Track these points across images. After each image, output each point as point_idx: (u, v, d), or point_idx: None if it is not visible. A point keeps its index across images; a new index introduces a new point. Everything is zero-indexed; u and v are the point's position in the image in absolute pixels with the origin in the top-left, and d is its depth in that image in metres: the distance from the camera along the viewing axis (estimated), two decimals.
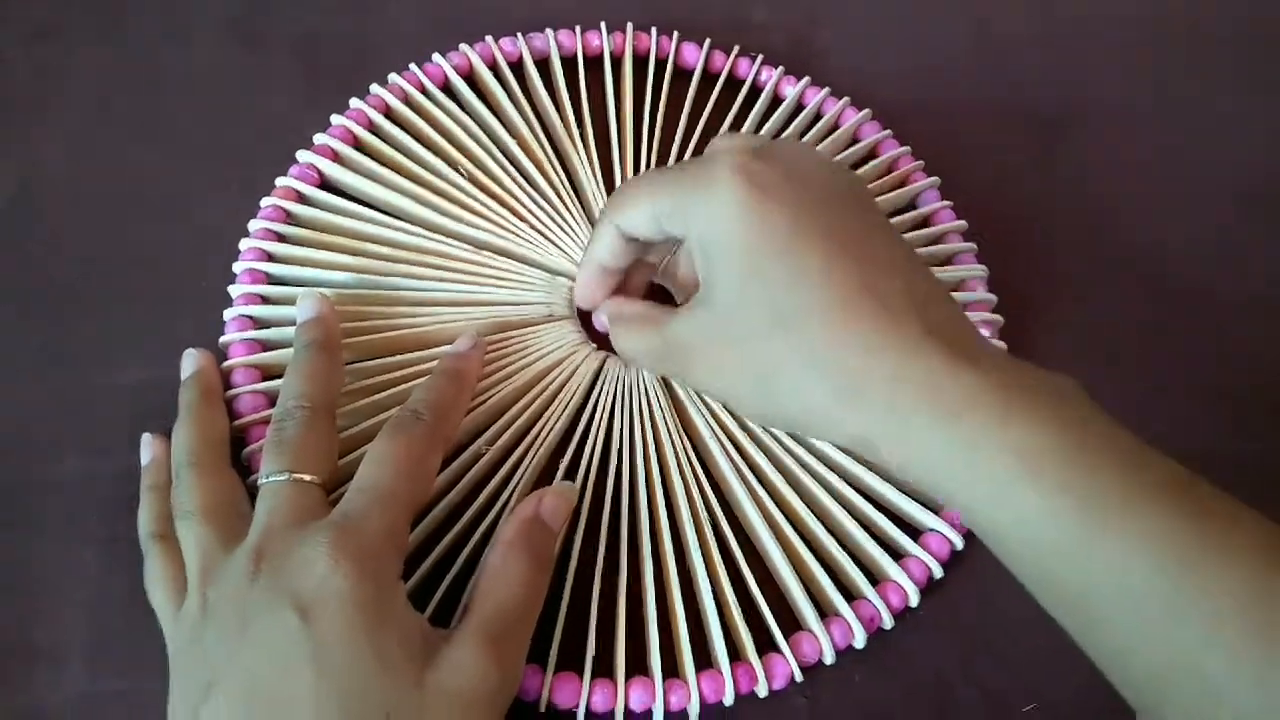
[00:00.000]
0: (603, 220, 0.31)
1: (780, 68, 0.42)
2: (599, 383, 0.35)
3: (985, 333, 0.37)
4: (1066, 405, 0.24)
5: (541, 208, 0.38)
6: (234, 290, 0.35)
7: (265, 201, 0.37)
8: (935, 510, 0.34)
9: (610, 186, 0.39)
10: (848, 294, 0.25)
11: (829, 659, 0.31)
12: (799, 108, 0.42)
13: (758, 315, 0.26)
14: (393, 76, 0.40)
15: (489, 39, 0.41)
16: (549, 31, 0.41)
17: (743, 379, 0.28)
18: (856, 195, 0.28)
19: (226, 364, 0.34)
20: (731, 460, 0.34)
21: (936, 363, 0.24)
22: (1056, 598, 0.24)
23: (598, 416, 0.35)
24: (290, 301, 0.34)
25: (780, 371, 0.26)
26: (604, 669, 0.31)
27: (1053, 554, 0.23)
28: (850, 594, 0.33)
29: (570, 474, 0.33)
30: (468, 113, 0.39)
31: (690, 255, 0.29)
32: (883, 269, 0.26)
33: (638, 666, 0.31)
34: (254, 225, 0.36)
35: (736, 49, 0.42)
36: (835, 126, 0.41)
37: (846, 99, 0.42)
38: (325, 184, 0.38)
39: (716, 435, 0.34)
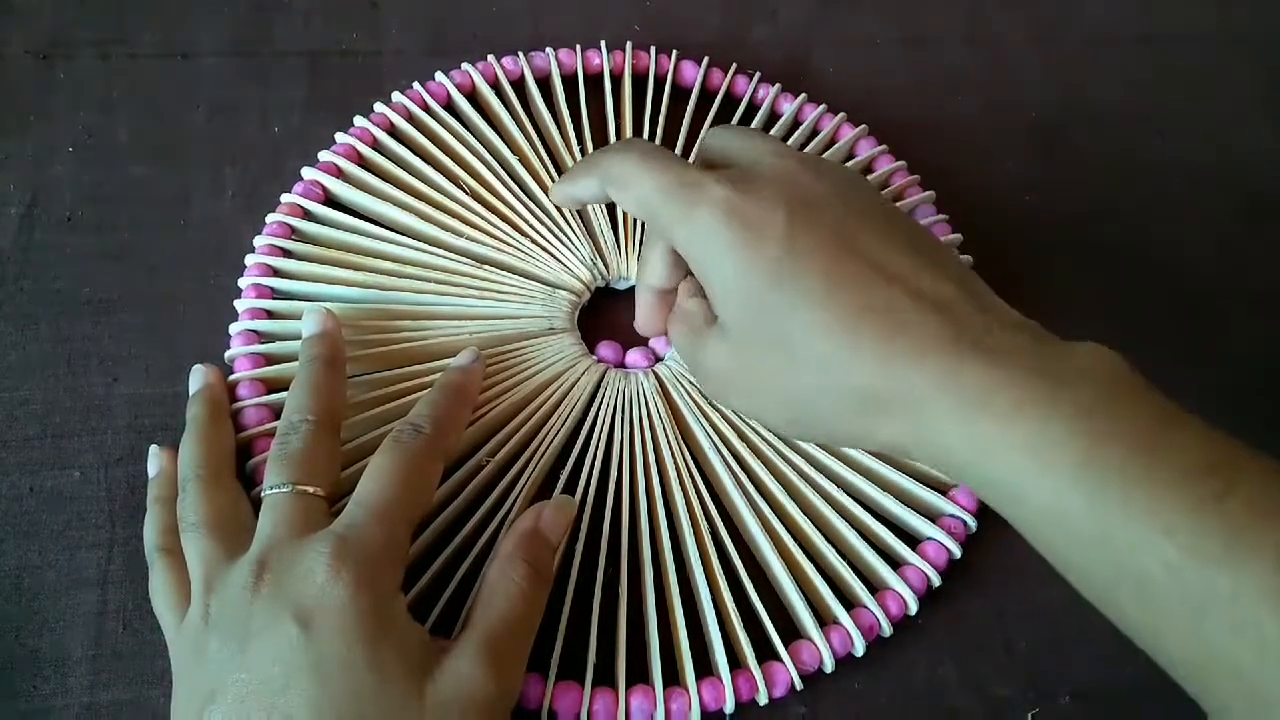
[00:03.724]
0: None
1: (777, 85, 0.42)
2: (599, 395, 0.36)
3: None
4: (1083, 391, 0.23)
5: (542, 222, 0.38)
6: (240, 305, 0.36)
7: (271, 218, 0.37)
8: (933, 519, 0.34)
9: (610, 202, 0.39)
10: (851, 314, 0.25)
11: (829, 667, 0.32)
12: (796, 124, 0.42)
13: (769, 345, 0.26)
14: (396, 95, 0.40)
15: (491, 58, 0.41)
16: (550, 50, 0.42)
17: (771, 405, 0.28)
18: (856, 201, 0.27)
19: (232, 377, 0.34)
20: (731, 471, 0.34)
21: (947, 368, 0.24)
22: (1085, 587, 0.24)
23: (598, 428, 0.35)
24: (295, 316, 0.35)
25: (803, 398, 0.26)
26: (605, 678, 0.31)
27: (1073, 551, 0.23)
28: (849, 602, 0.33)
29: (571, 485, 0.34)
30: (470, 130, 0.40)
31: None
32: (884, 280, 0.25)
33: (638, 675, 0.31)
34: (259, 241, 0.37)
35: (734, 66, 0.43)
36: (832, 142, 0.42)
37: (842, 114, 0.42)
38: (330, 200, 0.38)
39: (716, 446, 0.35)
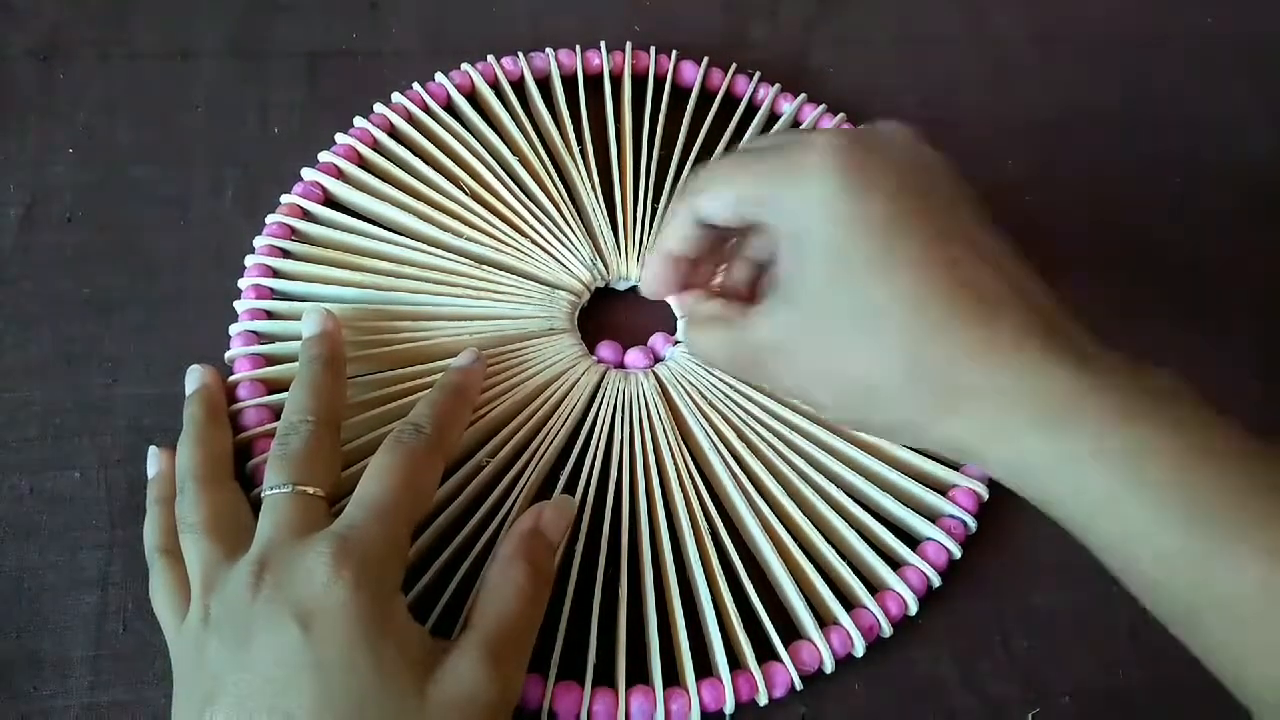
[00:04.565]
0: (678, 203, 0.29)
1: (777, 85, 0.42)
2: (599, 395, 0.36)
3: None
4: (1174, 408, 0.22)
5: (542, 223, 0.38)
6: (239, 305, 0.36)
7: (271, 218, 0.37)
8: (933, 519, 0.34)
9: (609, 202, 0.39)
10: (946, 287, 0.24)
11: (829, 667, 0.32)
12: (796, 124, 0.42)
13: (849, 312, 0.25)
14: (396, 95, 0.40)
15: (491, 58, 0.41)
16: (549, 51, 0.42)
17: (832, 386, 0.26)
18: (957, 185, 0.26)
19: (232, 378, 0.34)
20: (731, 471, 0.34)
21: (1039, 366, 0.23)
22: (1164, 604, 0.23)
23: (598, 429, 0.35)
24: (295, 317, 0.35)
25: (871, 377, 0.25)
26: (605, 678, 0.31)
27: (1159, 568, 0.22)
28: (849, 603, 0.33)
29: (571, 485, 0.34)
30: (470, 130, 0.40)
31: (767, 248, 0.27)
32: (983, 262, 0.24)
33: (638, 675, 0.31)
34: (259, 242, 0.37)
35: (734, 66, 0.43)
36: None
37: (842, 115, 0.42)
38: (330, 201, 0.38)
39: (716, 446, 0.35)
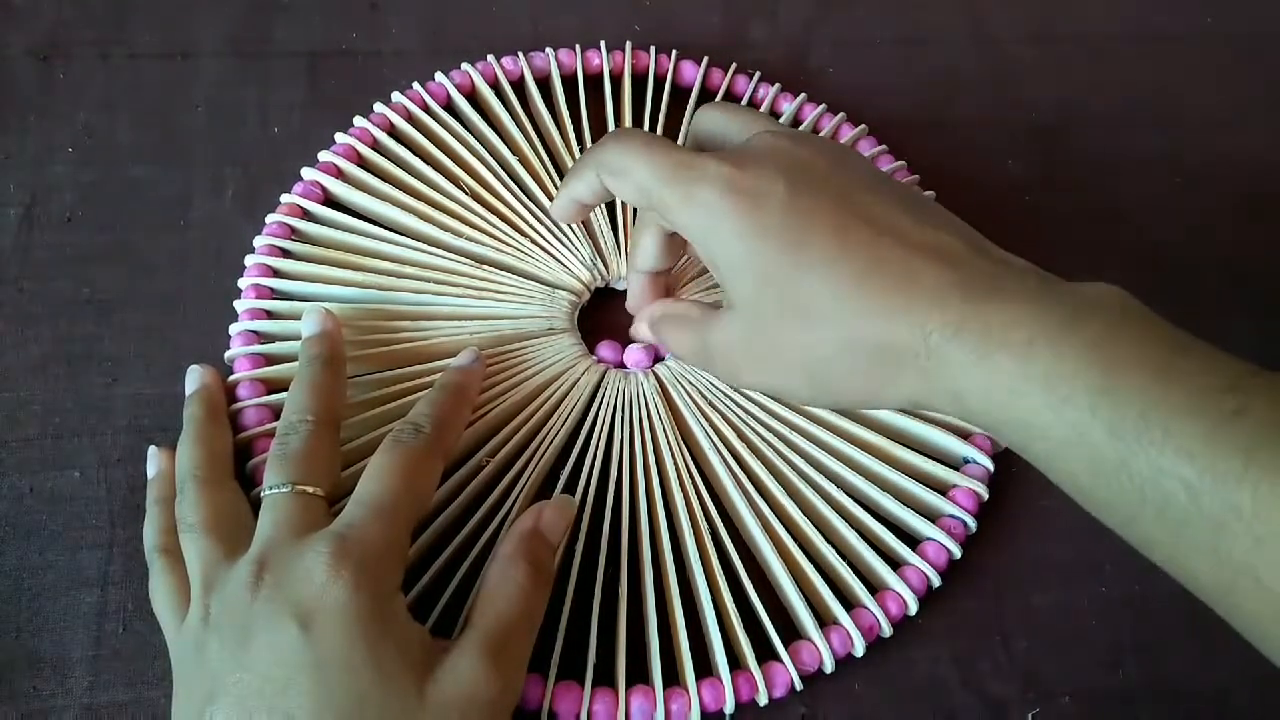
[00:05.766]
0: (584, 164, 0.31)
1: (777, 84, 0.42)
2: (599, 395, 0.36)
3: None
4: (1098, 320, 0.23)
5: (542, 223, 0.38)
6: (239, 305, 0.36)
7: (270, 218, 0.37)
8: (933, 519, 0.34)
9: (609, 201, 0.39)
10: (860, 270, 0.25)
11: (829, 667, 0.32)
12: (796, 124, 0.42)
13: (783, 313, 0.27)
14: (396, 95, 0.40)
15: (491, 58, 0.41)
16: (549, 50, 0.42)
17: (788, 376, 0.28)
18: (851, 168, 0.28)
19: (232, 378, 0.34)
20: (731, 471, 0.34)
21: (960, 309, 0.24)
22: (1108, 516, 0.24)
23: (598, 428, 0.35)
24: (295, 316, 0.35)
25: (820, 359, 0.27)
26: (605, 678, 0.31)
27: (1095, 479, 0.23)
28: (849, 603, 0.33)
29: (571, 485, 0.34)
30: (470, 130, 0.40)
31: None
32: (891, 234, 0.26)
33: (638, 675, 0.31)
34: (259, 241, 0.37)
35: (734, 66, 0.43)
36: None
37: (842, 115, 0.42)
38: (330, 200, 0.38)
39: (716, 446, 0.35)
